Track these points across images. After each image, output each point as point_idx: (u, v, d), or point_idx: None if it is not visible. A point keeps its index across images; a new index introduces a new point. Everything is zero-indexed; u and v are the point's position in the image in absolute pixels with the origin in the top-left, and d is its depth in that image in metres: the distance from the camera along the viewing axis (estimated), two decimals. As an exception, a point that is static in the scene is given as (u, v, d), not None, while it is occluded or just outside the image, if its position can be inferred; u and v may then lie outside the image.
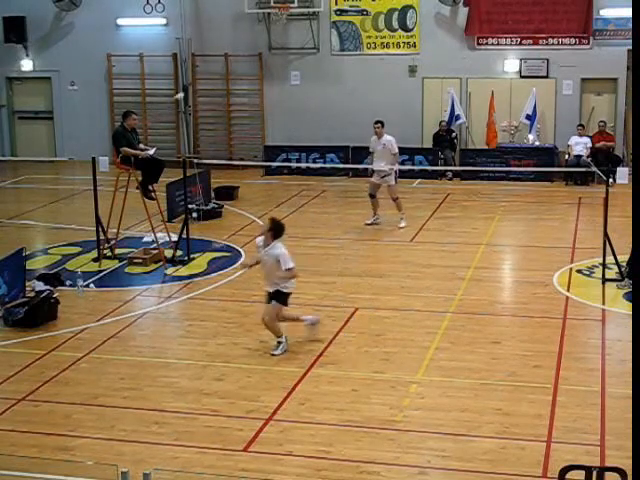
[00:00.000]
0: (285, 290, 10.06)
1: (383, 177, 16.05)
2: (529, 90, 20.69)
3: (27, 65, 23.94)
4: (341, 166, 20.98)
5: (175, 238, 14.11)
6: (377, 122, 16.34)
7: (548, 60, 21.12)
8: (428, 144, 21.59)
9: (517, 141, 21.12)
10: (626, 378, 7.81)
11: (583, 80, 21.11)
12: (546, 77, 21.20)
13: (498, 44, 21.37)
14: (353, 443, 7.94)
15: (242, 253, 14.41)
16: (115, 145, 14.02)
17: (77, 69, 23.49)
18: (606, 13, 20.56)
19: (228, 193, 18.56)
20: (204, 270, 13.53)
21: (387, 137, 16.14)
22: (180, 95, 13.79)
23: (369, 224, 16.03)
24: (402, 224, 15.94)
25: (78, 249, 14.72)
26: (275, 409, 8.63)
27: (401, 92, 21.84)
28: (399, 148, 21.14)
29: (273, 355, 9.93)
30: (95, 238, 13.99)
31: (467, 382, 9.22)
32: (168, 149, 22.18)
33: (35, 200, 18.99)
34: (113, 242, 14.29)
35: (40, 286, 11.86)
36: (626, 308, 11.28)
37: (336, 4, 22.09)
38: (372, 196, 16.11)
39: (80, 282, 12.54)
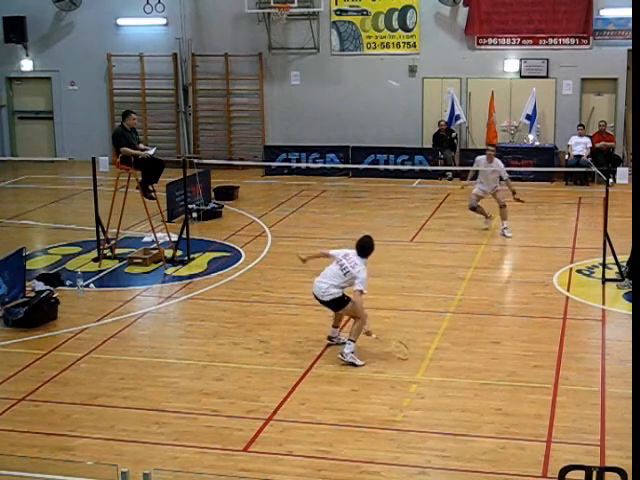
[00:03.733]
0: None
1: (493, 189, 15.69)
2: (529, 90, 20.70)
3: (27, 65, 23.96)
4: (341, 166, 20.98)
5: (175, 238, 14.12)
6: (491, 146, 16.45)
7: (548, 60, 21.12)
8: (428, 144, 21.59)
9: (517, 141, 21.12)
10: (626, 378, 7.84)
11: (583, 80, 21.11)
12: (546, 77, 21.20)
13: (498, 44, 21.37)
14: (353, 443, 7.94)
15: (242, 253, 14.42)
16: (115, 145, 14.03)
17: (77, 69, 23.50)
18: (606, 13, 20.57)
19: (228, 193, 18.56)
20: (204, 270, 13.53)
21: (498, 162, 15.85)
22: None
23: (486, 228, 15.79)
24: (508, 234, 15.37)
25: (78, 249, 14.72)
26: (275, 409, 8.63)
27: (401, 92, 21.84)
28: (399, 148, 21.33)
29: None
30: (95, 238, 14.00)
31: (467, 382, 9.22)
32: (168, 149, 22.21)
33: (35, 200, 18.99)
34: (113, 242, 14.29)
35: (40, 286, 11.86)
36: (626, 308, 11.28)
37: (336, 4, 22.09)
38: (474, 208, 15.74)
39: (80, 282, 12.54)
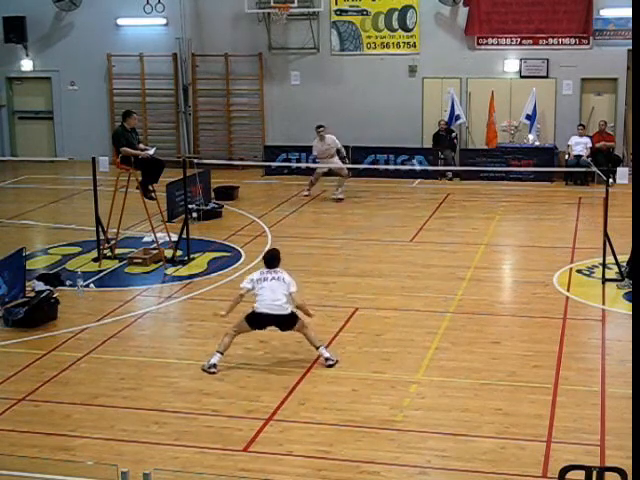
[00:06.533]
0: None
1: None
2: (529, 90, 20.69)
3: (27, 65, 23.94)
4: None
5: (175, 238, 14.12)
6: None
7: (548, 60, 21.12)
8: (428, 144, 21.59)
9: (517, 141, 21.11)
10: (626, 378, 7.84)
11: (583, 80, 21.11)
12: (546, 77, 21.20)
13: (498, 44, 21.37)
14: (353, 443, 7.94)
15: (242, 253, 14.42)
16: (115, 145, 14.03)
17: (77, 69, 23.49)
18: (606, 13, 20.56)
19: (228, 193, 18.56)
20: (204, 270, 13.53)
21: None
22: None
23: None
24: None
25: (78, 249, 14.72)
26: (275, 409, 8.63)
27: (401, 92, 21.84)
28: (398, 148, 21.32)
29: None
30: (95, 238, 14.00)
31: (467, 382, 9.22)
32: (168, 149, 22.20)
33: (35, 200, 18.99)
34: (113, 242, 14.29)
35: (40, 286, 11.86)
36: (626, 308, 11.29)
37: (336, 4, 22.09)
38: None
39: (80, 282, 12.54)
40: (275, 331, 9.97)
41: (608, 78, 20.94)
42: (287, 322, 9.66)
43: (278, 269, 9.81)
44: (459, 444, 7.91)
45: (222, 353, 9.68)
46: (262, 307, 9.56)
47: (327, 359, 9.66)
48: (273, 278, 9.65)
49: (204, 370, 9.57)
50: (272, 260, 9.87)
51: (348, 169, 18.51)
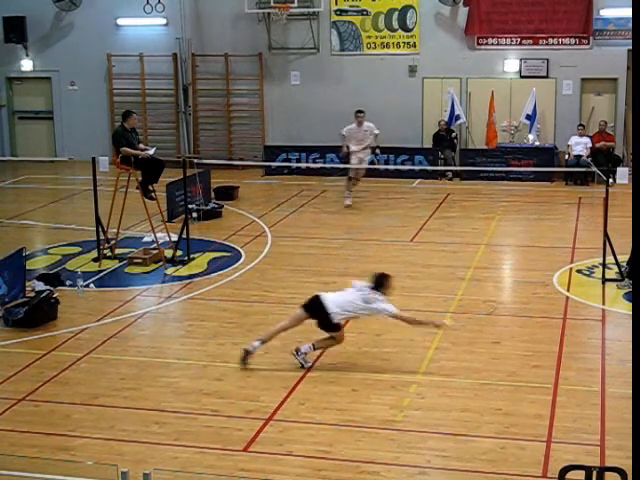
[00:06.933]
0: None
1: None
2: (529, 90, 20.70)
3: (27, 65, 23.95)
4: (341, 166, 20.95)
5: (175, 238, 14.12)
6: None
7: (548, 60, 21.12)
8: (428, 144, 21.59)
9: (517, 141, 21.12)
10: (626, 378, 7.84)
11: (583, 80, 21.11)
12: (546, 77, 21.20)
13: (498, 44, 21.37)
14: (353, 443, 7.94)
15: (242, 253, 14.42)
16: (115, 145, 14.03)
17: (77, 69, 23.49)
18: (606, 13, 20.56)
19: (228, 193, 18.56)
20: (204, 270, 13.53)
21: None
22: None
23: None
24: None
25: (78, 249, 14.72)
26: (275, 409, 8.63)
27: (401, 92, 21.84)
28: (399, 148, 21.32)
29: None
30: (95, 238, 14.00)
31: (467, 382, 9.22)
32: (168, 149, 22.20)
33: (35, 200, 18.99)
34: (113, 242, 14.29)
35: (40, 286, 11.86)
36: (626, 308, 11.28)
37: (336, 4, 22.09)
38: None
39: (80, 282, 12.54)
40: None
41: (608, 78, 20.95)
42: (328, 324, 9.51)
43: (372, 290, 9.54)
44: (459, 444, 7.91)
45: (264, 341, 9.71)
46: (327, 295, 9.60)
47: (302, 354, 9.58)
48: (356, 289, 9.58)
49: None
50: (375, 279, 9.67)
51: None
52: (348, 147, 18.01)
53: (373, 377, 9.38)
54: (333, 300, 9.54)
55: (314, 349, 9.70)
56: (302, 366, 9.58)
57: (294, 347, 9.71)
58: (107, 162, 14.66)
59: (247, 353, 9.60)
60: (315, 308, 9.55)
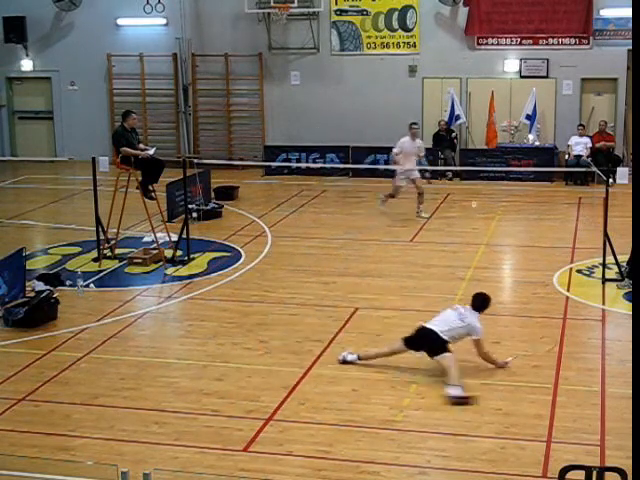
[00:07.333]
0: None
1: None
2: (529, 90, 20.70)
3: (27, 65, 23.95)
4: (341, 166, 20.99)
5: (175, 238, 14.12)
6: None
7: (548, 60, 21.12)
8: (428, 144, 21.55)
9: (517, 141, 21.12)
10: (626, 378, 7.83)
11: (583, 80, 21.12)
12: (546, 77, 21.20)
13: (498, 44, 21.37)
14: (353, 443, 7.94)
15: (242, 253, 14.41)
16: (115, 145, 14.03)
17: (77, 69, 23.49)
18: (606, 13, 20.57)
19: (228, 193, 18.56)
20: (204, 270, 13.53)
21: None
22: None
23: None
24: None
25: (78, 249, 14.72)
26: (275, 409, 8.62)
27: (401, 92, 21.84)
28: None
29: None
30: (95, 238, 14.00)
31: (467, 382, 9.20)
32: (168, 149, 22.20)
33: (35, 200, 18.99)
34: (113, 242, 14.29)
35: (40, 286, 11.86)
36: (626, 308, 11.28)
37: (336, 4, 22.09)
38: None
39: (80, 282, 12.54)
40: (277, 330, 9.98)
41: (608, 78, 20.95)
42: (436, 342, 9.25)
43: (469, 311, 9.48)
44: (459, 444, 7.91)
45: (360, 358, 9.61)
46: (427, 322, 9.44)
47: (452, 397, 8.79)
48: (454, 309, 9.54)
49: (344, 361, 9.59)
50: (476, 300, 9.61)
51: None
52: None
53: (373, 377, 9.38)
54: (435, 323, 9.41)
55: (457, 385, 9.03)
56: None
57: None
58: (107, 162, 14.66)
59: (339, 359, 9.62)
60: (422, 336, 9.33)
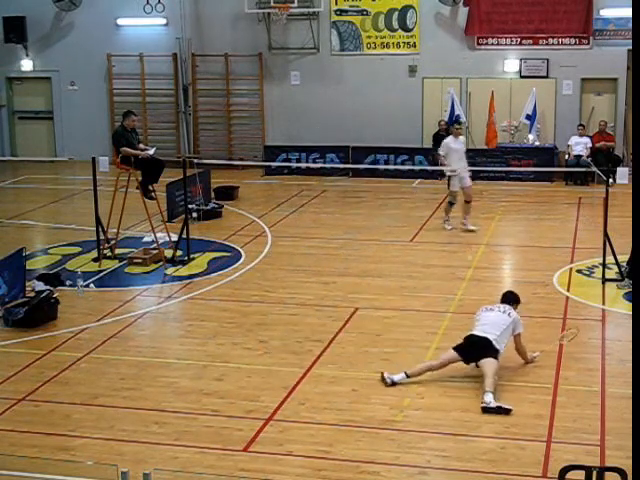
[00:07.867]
0: None
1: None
2: (529, 90, 20.70)
3: (27, 65, 23.96)
4: (341, 166, 20.99)
5: (175, 238, 14.12)
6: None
7: (548, 60, 21.13)
8: (428, 144, 21.59)
9: (517, 141, 21.12)
10: (626, 378, 7.83)
11: (583, 80, 21.12)
12: (546, 77, 21.21)
13: (498, 44, 21.38)
14: (353, 443, 7.94)
15: (242, 253, 14.41)
16: (115, 145, 14.03)
17: (77, 69, 23.50)
18: (606, 13, 20.57)
19: (228, 193, 18.56)
20: (204, 270, 13.53)
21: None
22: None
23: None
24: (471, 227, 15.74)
25: (78, 249, 14.72)
26: (275, 409, 8.62)
27: (401, 92, 21.85)
28: (398, 148, 21.32)
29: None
30: (95, 238, 14.00)
31: (467, 382, 9.21)
32: (168, 149, 22.20)
33: (35, 200, 18.99)
34: (113, 242, 14.29)
35: (40, 286, 11.86)
36: (626, 308, 11.28)
37: (336, 4, 22.09)
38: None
39: (80, 282, 12.54)
40: (277, 330, 9.95)
41: (608, 78, 20.95)
42: (489, 350, 9.10)
43: (508, 306, 9.62)
44: (459, 444, 7.91)
45: (408, 375, 9.23)
46: (475, 330, 9.38)
47: (491, 408, 8.56)
48: (499, 310, 9.56)
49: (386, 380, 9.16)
50: (506, 296, 9.85)
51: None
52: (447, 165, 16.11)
53: (373, 377, 9.37)
54: (485, 329, 9.30)
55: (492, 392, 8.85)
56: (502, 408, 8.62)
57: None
58: (107, 162, 14.66)
59: (387, 382, 9.17)
60: (474, 344, 9.24)
